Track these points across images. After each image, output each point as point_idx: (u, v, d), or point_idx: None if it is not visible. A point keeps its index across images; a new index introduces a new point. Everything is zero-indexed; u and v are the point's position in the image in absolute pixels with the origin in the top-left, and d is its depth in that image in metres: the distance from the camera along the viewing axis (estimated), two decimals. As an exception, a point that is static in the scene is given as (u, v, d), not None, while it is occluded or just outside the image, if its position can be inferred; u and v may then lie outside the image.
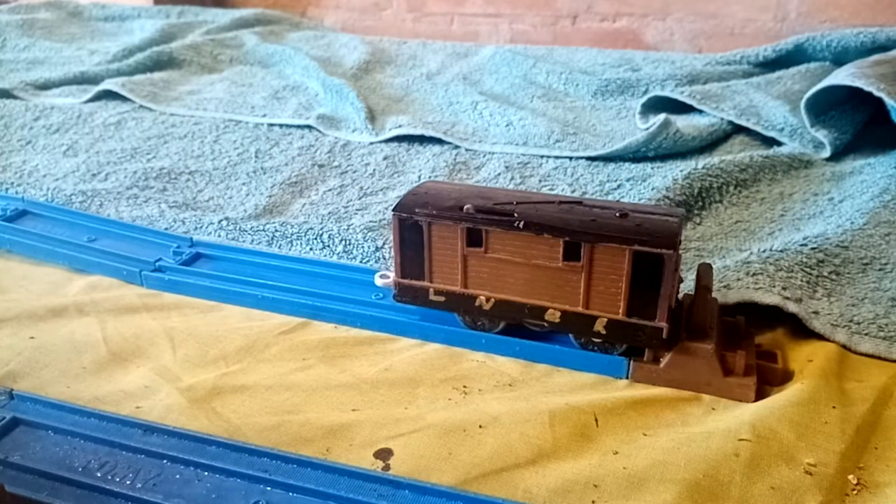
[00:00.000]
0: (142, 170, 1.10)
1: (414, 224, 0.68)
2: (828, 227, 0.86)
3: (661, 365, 0.66)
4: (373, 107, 1.34)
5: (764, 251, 0.80)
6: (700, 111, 1.24)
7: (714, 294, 0.68)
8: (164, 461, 0.55)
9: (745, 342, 0.68)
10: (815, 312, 0.72)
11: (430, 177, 1.09)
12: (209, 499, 0.52)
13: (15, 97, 1.42)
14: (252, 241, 0.91)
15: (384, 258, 0.85)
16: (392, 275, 0.73)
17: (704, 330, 0.65)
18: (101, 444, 0.57)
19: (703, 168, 1.01)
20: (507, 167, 1.11)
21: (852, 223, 0.86)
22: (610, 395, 0.65)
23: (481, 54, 1.69)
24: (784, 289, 0.73)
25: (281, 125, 1.29)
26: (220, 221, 0.93)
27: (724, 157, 1.07)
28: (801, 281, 0.75)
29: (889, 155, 1.08)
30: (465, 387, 0.66)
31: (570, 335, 0.69)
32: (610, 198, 1.00)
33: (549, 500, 0.53)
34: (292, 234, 0.90)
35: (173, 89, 1.47)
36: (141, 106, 1.38)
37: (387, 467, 0.56)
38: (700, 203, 0.98)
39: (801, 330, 0.72)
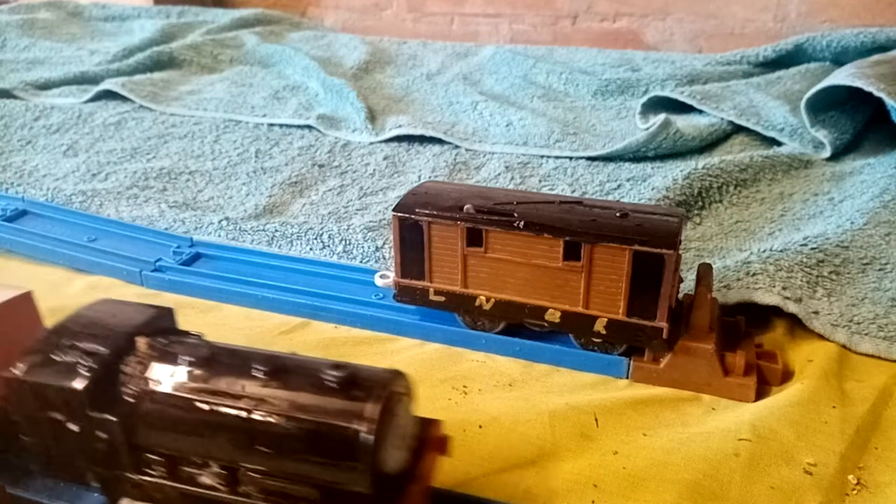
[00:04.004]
0: (142, 170, 1.10)
1: (414, 224, 0.68)
2: (828, 227, 0.86)
3: (661, 365, 0.66)
4: (373, 107, 1.35)
5: (764, 251, 0.80)
6: (700, 111, 1.24)
7: (714, 294, 0.68)
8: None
9: (745, 342, 0.68)
10: (815, 312, 0.72)
11: (430, 177, 1.09)
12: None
13: (15, 97, 1.42)
14: (252, 241, 0.91)
15: (384, 258, 0.85)
16: (392, 275, 0.73)
17: (704, 330, 0.65)
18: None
19: (703, 168, 1.01)
20: (507, 167, 1.11)
21: (852, 223, 0.86)
22: (610, 395, 0.65)
23: (481, 54, 1.69)
24: (784, 289, 0.73)
25: (281, 125, 1.29)
26: (220, 221, 0.93)
27: (724, 157, 1.07)
28: (801, 281, 0.75)
29: (889, 155, 1.08)
30: (465, 387, 0.66)
31: (570, 335, 0.69)
32: (610, 198, 1.00)
33: (549, 500, 0.53)
34: (292, 234, 0.90)
35: (173, 89, 1.47)
36: (141, 106, 1.38)
37: (387, 467, 0.56)
38: (700, 203, 0.98)
39: (801, 330, 0.72)
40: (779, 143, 1.15)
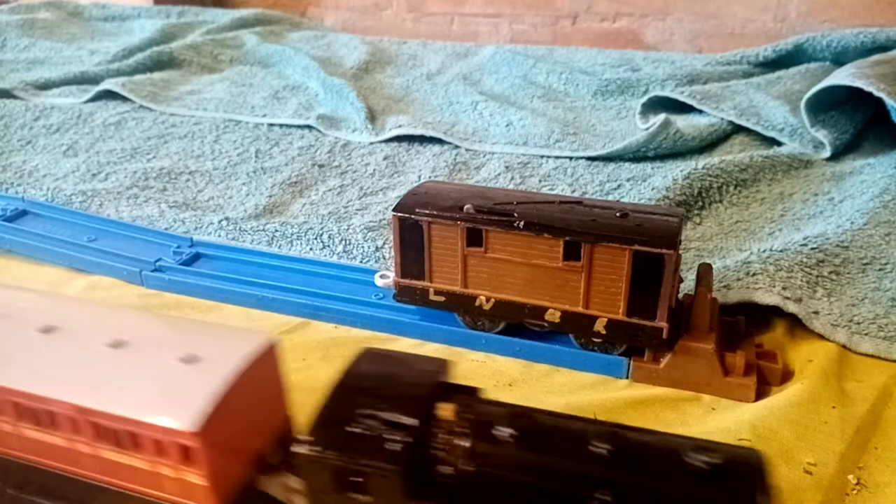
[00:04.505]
0: (142, 170, 1.10)
1: (414, 224, 0.68)
2: (828, 227, 0.86)
3: (661, 365, 0.66)
4: (373, 107, 1.34)
5: (764, 251, 0.80)
6: (700, 111, 1.24)
7: (714, 294, 0.68)
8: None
9: (745, 342, 0.68)
10: (815, 312, 0.72)
11: (430, 177, 1.09)
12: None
13: (15, 97, 1.42)
14: (252, 241, 0.91)
15: (384, 258, 0.85)
16: (392, 275, 0.73)
17: (704, 330, 0.65)
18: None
19: (703, 168, 1.01)
20: (507, 167, 1.11)
21: (852, 223, 0.86)
22: (610, 395, 0.65)
23: (481, 54, 1.69)
24: (784, 289, 0.73)
25: (281, 125, 1.29)
26: (220, 221, 0.93)
27: (724, 157, 1.07)
28: (801, 281, 0.75)
29: (889, 155, 1.08)
30: (465, 387, 0.66)
31: (570, 335, 0.69)
32: (610, 198, 1.00)
33: (549, 500, 0.53)
34: (292, 234, 0.90)
35: (173, 89, 1.47)
36: (141, 106, 1.38)
37: (387, 467, 0.56)
38: (700, 203, 0.98)
39: (801, 330, 0.72)
40: (779, 143, 1.15)
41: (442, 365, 0.42)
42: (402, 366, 0.42)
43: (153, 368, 0.42)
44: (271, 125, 1.30)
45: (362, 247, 0.87)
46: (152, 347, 0.44)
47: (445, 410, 0.38)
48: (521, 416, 0.38)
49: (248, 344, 0.43)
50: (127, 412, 0.40)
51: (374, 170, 1.12)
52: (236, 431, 0.42)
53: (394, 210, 0.68)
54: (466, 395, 0.41)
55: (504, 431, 0.36)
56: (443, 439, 0.37)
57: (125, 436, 0.41)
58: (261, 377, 0.44)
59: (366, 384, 0.40)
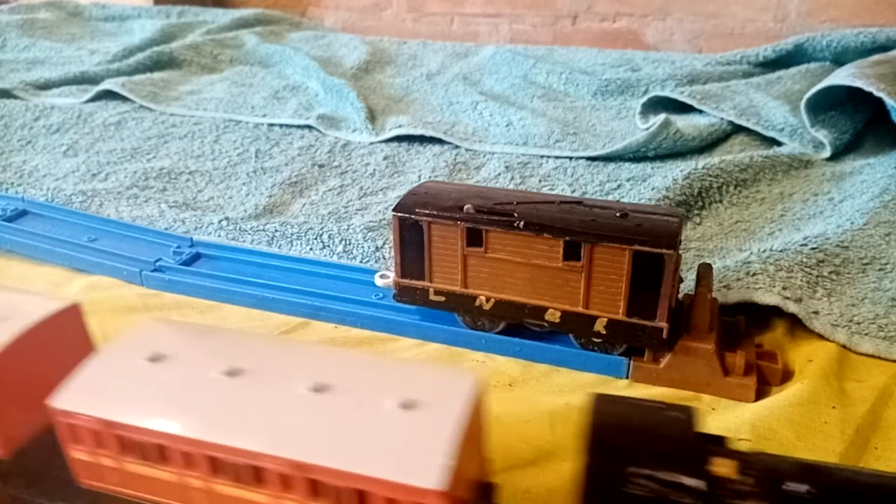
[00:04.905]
0: (142, 170, 1.10)
1: (414, 224, 0.68)
2: (828, 227, 0.86)
3: (661, 365, 0.66)
4: (373, 107, 1.35)
5: (764, 251, 0.80)
6: (700, 111, 1.24)
7: (714, 294, 0.68)
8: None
9: (745, 342, 0.68)
10: (815, 312, 0.72)
11: (430, 177, 1.09)
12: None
13: (15, 97, 1.42)
14: (252, 241, 0.91)
15: (384, 258, 0.85)
16: (392, 275, 0.73)
17: (704, 330, 0.65)
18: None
19: (703, 168, 1.01)
20: (507, 167, 1.11)
21: (852, 223, 0.86)
22: (610, 395, 0.64)
23: (481, 54, 1.69)
24: (784, 289, 0.73)
25: (281, 125, 1.29)
26: (220, 221, 0.93)
27: (724, 157, 1.07)
28: (801, 281, 0.75)
29: (889, 155, 1.08)
30: (465, 387, 0.66)
31: (570, 335, 0.69)
32: (610, 198, 1.00)
33: (549, 500, 0.53)
34: (292, 234, 0.90)
35: (173, 89, 1.47)
36: (141, 106, 1.38)
37: (387, 467, 0.56)
38: (700, 203, 0.98)
39: (801, 330, 0.72)
40: (779, 143, 1.15)
41: (690, 412, 0.38)
42: (648, 415, 0.38)
43: (372, 416, 0.38)
44: (271, 125, 1.30)
45: (362, 247, 0.87)
46: (360, 391, 0.40)
47: (724, 467, 0.34)
48: (809, 471, 0.34)
49: (462, 386, 0.40)
50: (355, 468, 0.36)
51: (374, 170, 1.12)
52: (464, 483, 0.39)
53: (394, 210, 0.68)
54: (723, 446, 0.37)
55: (798, 488, 0.32)
56: (733, 501, 0.33)
57: (348, 494, 0.37)
58: (476, 422, 0.41)
59: (621, 439, 0.36)
